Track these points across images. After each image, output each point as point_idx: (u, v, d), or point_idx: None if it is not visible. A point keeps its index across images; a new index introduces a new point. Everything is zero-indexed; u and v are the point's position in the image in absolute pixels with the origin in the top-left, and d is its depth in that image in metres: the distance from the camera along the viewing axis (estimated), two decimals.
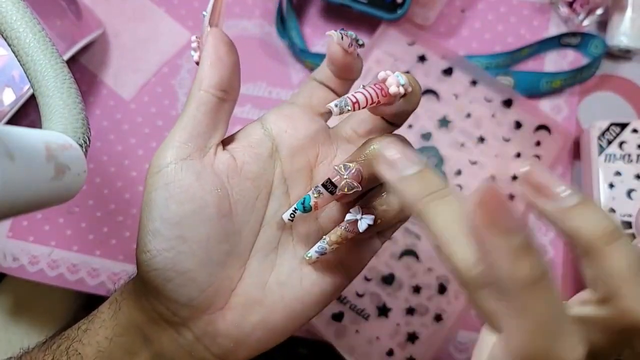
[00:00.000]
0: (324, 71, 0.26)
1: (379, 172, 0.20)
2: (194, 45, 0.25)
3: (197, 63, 0.25)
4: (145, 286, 0.23)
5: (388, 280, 0.42)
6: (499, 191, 0.15)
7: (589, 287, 0.18)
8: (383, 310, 0.42)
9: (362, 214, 0.23)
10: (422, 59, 0.46)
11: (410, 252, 0.42)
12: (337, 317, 0.42)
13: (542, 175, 0.18)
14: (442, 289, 0.42)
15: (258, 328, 0.24)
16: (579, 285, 0.41)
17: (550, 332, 0.15)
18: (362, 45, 0.25)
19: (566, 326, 0.16)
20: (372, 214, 0.23)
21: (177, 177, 0.22)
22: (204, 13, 0.24)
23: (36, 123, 0.48)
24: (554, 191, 0.18)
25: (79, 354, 0.24)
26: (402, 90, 0.22)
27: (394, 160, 0.20)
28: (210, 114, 0.23)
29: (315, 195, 0.22)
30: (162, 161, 0.23)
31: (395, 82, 0.21)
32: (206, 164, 0.23)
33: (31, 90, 0.42)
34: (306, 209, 0.23)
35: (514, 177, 0.43)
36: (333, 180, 0.22)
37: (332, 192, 0.22)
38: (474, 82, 0.45)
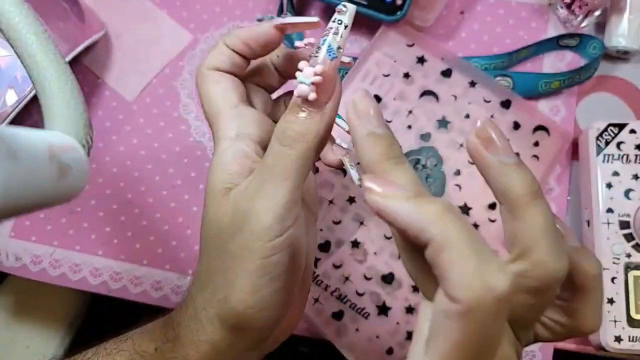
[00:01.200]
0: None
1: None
2: (308, 81, 0.21)
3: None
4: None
5: (388, 279, 0.42)
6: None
7: (507, 246, 0.20)
8: (383, 309, 0.42)
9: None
10: (421, 60, 0.46)
11: None
12: (337, 315, 0.42)
13: (495, 131, 0.20)
14: None
15: (285, 322, 0.26)
16: None
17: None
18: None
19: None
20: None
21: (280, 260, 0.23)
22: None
23: (39, 124, 0.48)
24: (499, 145, 0.20)
25: None
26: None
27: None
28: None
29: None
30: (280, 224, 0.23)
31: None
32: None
33: (34, 92, 0.43)
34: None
35: None
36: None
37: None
38: (472, 83, 0.45)
